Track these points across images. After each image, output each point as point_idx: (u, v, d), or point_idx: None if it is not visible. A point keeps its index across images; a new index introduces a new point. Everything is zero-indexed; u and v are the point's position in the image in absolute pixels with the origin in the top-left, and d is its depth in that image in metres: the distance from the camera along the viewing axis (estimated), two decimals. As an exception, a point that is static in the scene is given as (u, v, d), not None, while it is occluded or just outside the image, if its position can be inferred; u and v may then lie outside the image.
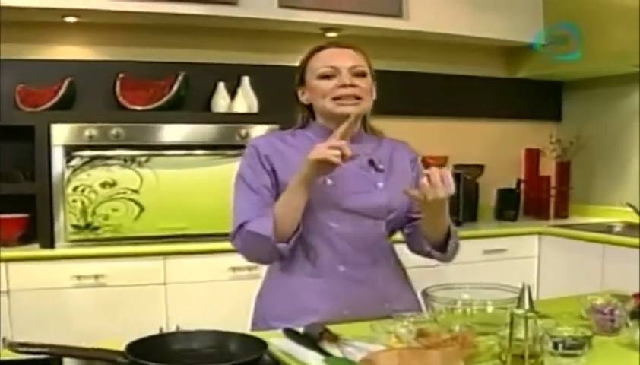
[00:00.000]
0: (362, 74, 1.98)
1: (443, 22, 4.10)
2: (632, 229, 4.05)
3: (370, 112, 2.08)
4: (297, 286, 1.99)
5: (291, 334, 1.70)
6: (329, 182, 1.93)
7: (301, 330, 1.72)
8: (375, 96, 2.05)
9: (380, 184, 2.01)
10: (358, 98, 1.96)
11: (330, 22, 3.88)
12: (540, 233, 4.15)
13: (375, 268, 2.01)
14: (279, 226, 1.86)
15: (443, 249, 2.04)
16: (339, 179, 1.93)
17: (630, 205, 4.12)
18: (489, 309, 1.71)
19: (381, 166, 2.03)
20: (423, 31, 4.08)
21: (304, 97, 2.05)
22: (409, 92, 4.35)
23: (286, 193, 1.88)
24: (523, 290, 1.60)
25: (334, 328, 1.69)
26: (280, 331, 1.75)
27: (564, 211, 4.61)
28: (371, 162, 2.03)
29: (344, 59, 1.98)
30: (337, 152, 1.76)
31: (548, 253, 4.13)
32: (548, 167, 4.77)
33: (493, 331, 1.61)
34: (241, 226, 1.92)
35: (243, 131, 3.53)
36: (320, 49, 2.02)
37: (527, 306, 1.54)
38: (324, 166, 1.79)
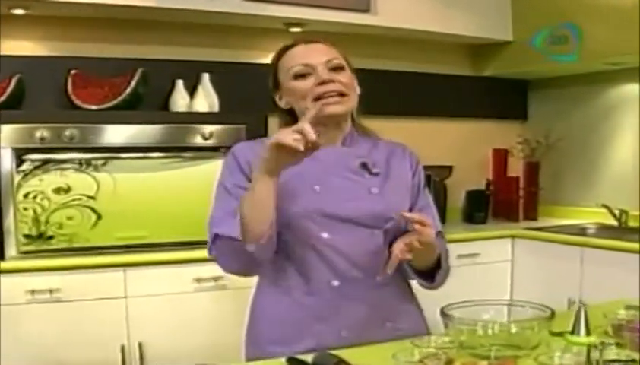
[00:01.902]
0: (340, 68, 1.86)
1: (412, 18, 4.05)
2: (607, 230, 4.06)
3: (358, 110, 1.96)
4: (290, 305, 1.84)
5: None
6: (317, 188, 1.80)
7: (309, 359, 1.59)
8: (359, 91, 1.94)
9: (374, 189, 1.85)
10: (342, 94, 1.83)
11: (294, 16, 3.76)
12: (513, 237, 4.11)
13: (373, 284, 1.83)
14: (246, 225, 1.67)
15: (430, 278, 1.89)
16: (328, 184, 1.81)
17: (606, 206, 4.12)
18: (513, 329, 1.61)
19: (375, 170, 1.88)
20: (392, 27, 4.02)
21: (282, 102, 1.91)
22: (373, 91, 4.17)
23: (249, 188, 1.73)
24: (579, 312, 1.50)
25: (343, 355, 1.57)
26: (282, 361, 1.63)
27: (533, 213, 4.59)
28: (364, 165, 1.88)
29: (317, 54, 1.85)
30: (298, 136, 1.56)
31: (522, 257, 4.09)
32: (516, 168, 4.74)
33: (521, 353, 1.52)
34: (216, 236, 1.78)
35: (207, 132, 3.37)
36: (289, 47, 1.90)
37: (583, 330, 1.44)
38: (285, 154, 1.60)
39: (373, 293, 1.84)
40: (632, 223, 4.10)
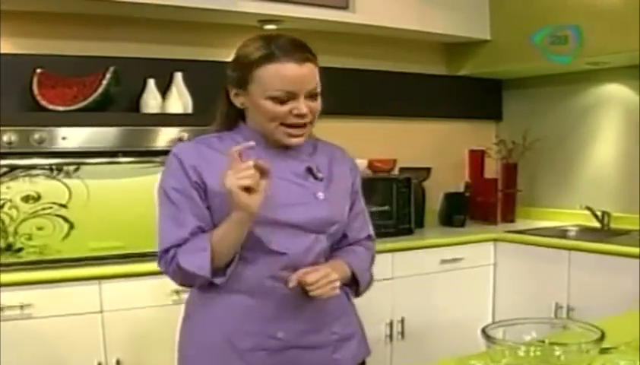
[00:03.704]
0: (316, 94, 1.80)
1: (391, 15, 3.99)
2: (591, 233, 4.04)
3: None
4: (223, 306, 1.82)
5: None
6: (268, 195, 1.74)
7: None
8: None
9: (320, 194, 1.85)
10: (306, 125, 1.81)
11: (269, 13, 3.65)
12: (495, 240, 4.07)
13: None
14: (216, 260, 1.74)
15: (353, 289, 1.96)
16: (273, 189, 1.74)
17: (589, 208, 4.10)
18: (557, 352, 1.52)
19: (320, 175, 1.88)
20: (371, 25, 3.94)
21: (239, 101, 1.83)
22: (347, 90, 4.18)
23: (224, 227, 1.72)
24: None
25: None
26: None
27: (511, 215, 4.56)
28: (309, 170, 1.87)
29: (304, 82, 1.76)
30: (251, 172, 1.62)
31: (504, 261, 4.05)
32: (493, 169, 4.70)
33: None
34: (167, 250, 1.78)
35: (185, 135, 3.23)
36: (273, 57, 1.74)
37: None
38: (247, 195, 1.64)
39: (312, 297, 1.81)
40: (614, 225, 4.09)
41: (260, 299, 1.79)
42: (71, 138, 3.03)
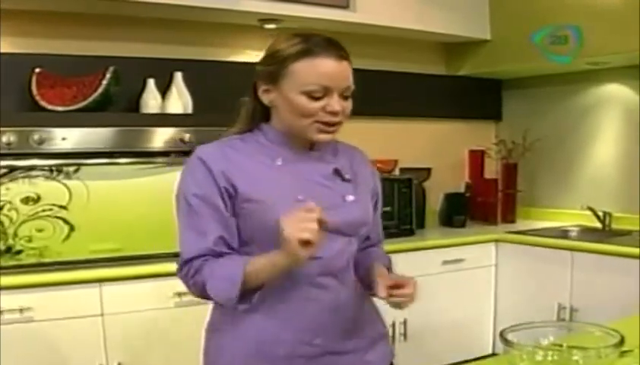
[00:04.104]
0: (349, 96, 1.75)
1: (392, 14, 3.98)
2: (592, 233, 4.03)
3: None
4: (257, 314, 1.74)
5: None
6: (300, 198, 1.69)
7: None
8: None
9: (350, 197, 1.81)
10: (338, 124, 1.75)
11: (269, 12, 3.63)
12: (496, 241, 4.05)
13: (344, 291, 1.80)
14: (243, 289, 1.65)
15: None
16: (308, 193, 1.71)
17: (590, 209, 4.09)
18: (575, 357, 1.50)
19: (347, 176, 1.83)
20: (371, 24, 3.92)
21: (268, 97, 1.76)
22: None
23: (262, 263, 1.65)
24: None
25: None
26: None
27: (511, 215, 4.56)
28: (336, 171, 1.82)
29: (340, 78, 1.71)
30: (314, 226, 1.53)
31: (506, 261, 4.04)
32: (493, 169, 4.69)
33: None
34: (188, 261, 1.71)
35: (186, 136, 3.20)
36: (310, 52, 1.70)
37: None
38: (301, 248, 1.54)
39: (344, 302, 1.79)
40: (615, 226, 4.08)
41: (297, 306, 1.73)
42: (71, 138, 3.00)
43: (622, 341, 1.51)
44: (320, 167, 1.80)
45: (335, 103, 1.69)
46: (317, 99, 1.69)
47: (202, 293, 1.72)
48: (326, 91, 1.69)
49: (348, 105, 1.74)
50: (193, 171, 1.73)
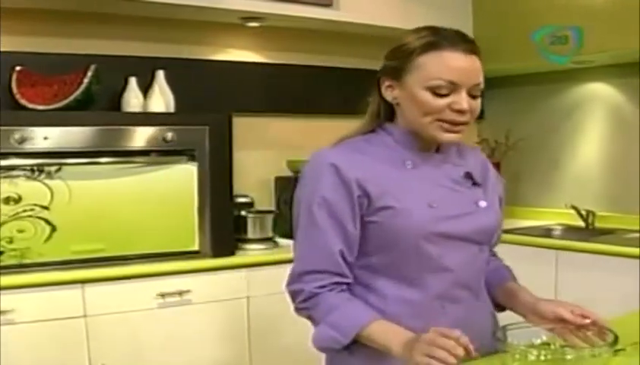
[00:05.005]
0: (479, 95, 1.65)
1: (375, 13, 3.97)
2: (576, 232, 4.06)
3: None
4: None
5: None
6: (433, 204, 1.63)
7: None
8: None
9: (482, 203, 1.71)
10: (464, 124, 1.63)
11: (252, 10, 3.62)
12: (481, 240, 4.06)
13: (477, 304, 1.72)
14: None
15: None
16: (440, 199, 1.64)
17: (574, 207, 4.12)
18: (569, 356, 1.51)
19: (478, 180, 1.74)
20: (354, 22, 3.92)
21: (391, 94, 1.67)
22: (332, 89, 4.17)
23: (376, 338, 1.55)
24: None
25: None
26: None
27: (494, 215, 4.55)
28: (468, 175, 1.73)
29: (469, 74, 1.61)
30: (452, 362, 1.38)
31: (490, 261, 4.04)
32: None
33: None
34: (303, 274, 1.63)
35: (169, 135, 3.18)
36: (438, 45, 1.60)
37: None
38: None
39: (477, 316, 1.71)
40: (598, 224, 4.11)
41: (427, 323, 1.53)
42: (52, 137, 2.97)
43: (616, 340, 1.51)
44: (450, 170, 1.72)
45: (463, 100, 1.59)
46: (443, 96, 1.59)
47: (308, 319, 1.66)
48: (453, 87, 1.59)
49: (477, 104, 1.64)
50: (321, 177, 1.63)
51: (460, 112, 1.60)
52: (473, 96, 1.62)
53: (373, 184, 1.62)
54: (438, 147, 1.71)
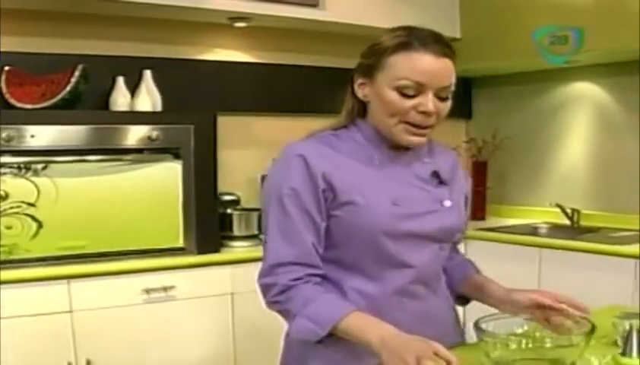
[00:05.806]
0: (447, 97, 1.66)
1: (361, 13, 4.01)
2: (561, 230, 4.11)
3: None
4: None
5: None
6: (397, 201, 1.66)
7: None
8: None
9: (447, 202, 1.73)
10: (430, 127, 1.66)
11: (239, 10, 3.67)
12: (466, 238, 4.11)
13: (435, 300, 1.77)
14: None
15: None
16: (405, 196, 1.67)
17: (559, 206, 4.18)
18: (548, 345, 1.57)
19: (445, 179, 1.76)
20: (341, 22, 3.97)
21: (362, 92, 1.70)
22: (319, 89, 4.20)
23: (352, 332, 1.55)
24: (630, 331, 1.47)
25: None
26: None
27: (481, 212, 4.62)
28: (435, 174, 1.75)
29: (438, 76, 1.62)
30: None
31: (475, 259, 4.07)
32: (463, 167, 4.75)
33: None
34: (275, 266, 1.63)
35: (154, 134, 3.25)
36: (409, 45, 1.62)
37: (635, 352, 1.42)
38: None
39: (435, 312, 1.76)
40: (583, 222, 4.17)
41: (386, 317, 1.57)
42: (40, 136, 3.03)
43: (593, 330, 1.55)
44: (417, 168, 1.73)
45: (429, 101, 1.60)
46: (410, 96, 1.61)
47: (281, 315, 1.66)
48: (420, 89, 1.60)
49: (444, 106, 1.65)
50: (290, 168, 1.65)
51: (426, 114, 1.61)
52: (441, 99, 1.64)
53: (339, 179, 1.64)
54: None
